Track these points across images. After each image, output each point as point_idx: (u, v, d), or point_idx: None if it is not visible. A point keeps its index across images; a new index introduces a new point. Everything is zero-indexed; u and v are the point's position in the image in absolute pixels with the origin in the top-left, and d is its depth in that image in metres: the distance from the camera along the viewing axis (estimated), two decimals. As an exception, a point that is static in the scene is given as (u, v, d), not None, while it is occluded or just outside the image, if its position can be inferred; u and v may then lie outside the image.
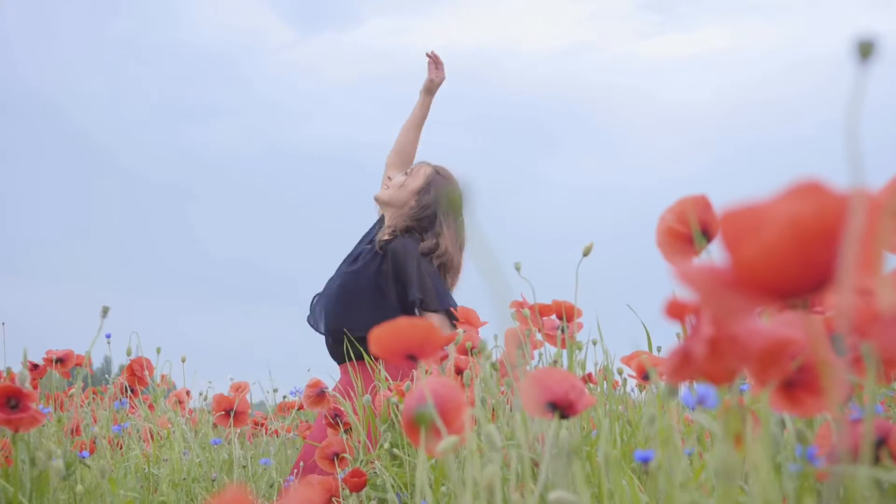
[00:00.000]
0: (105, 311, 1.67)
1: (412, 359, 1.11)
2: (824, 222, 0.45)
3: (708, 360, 0.65)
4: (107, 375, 3.02)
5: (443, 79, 3.65)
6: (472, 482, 1.01)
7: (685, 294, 0.48)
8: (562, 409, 1.13)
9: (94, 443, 2.22)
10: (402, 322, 1.09)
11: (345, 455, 2.34)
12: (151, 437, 2.42)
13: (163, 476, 2.22)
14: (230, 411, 2.67)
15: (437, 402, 1.09)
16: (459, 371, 2.11)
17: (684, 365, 0.67)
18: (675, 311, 0.77)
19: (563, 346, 1.89)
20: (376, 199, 3.49)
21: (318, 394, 2.42)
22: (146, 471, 2.23)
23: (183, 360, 3.59)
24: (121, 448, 2.44)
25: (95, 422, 2.58)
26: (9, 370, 3.11)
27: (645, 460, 1.14)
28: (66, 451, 1.90)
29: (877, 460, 0.83)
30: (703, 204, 1.11)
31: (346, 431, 2.40)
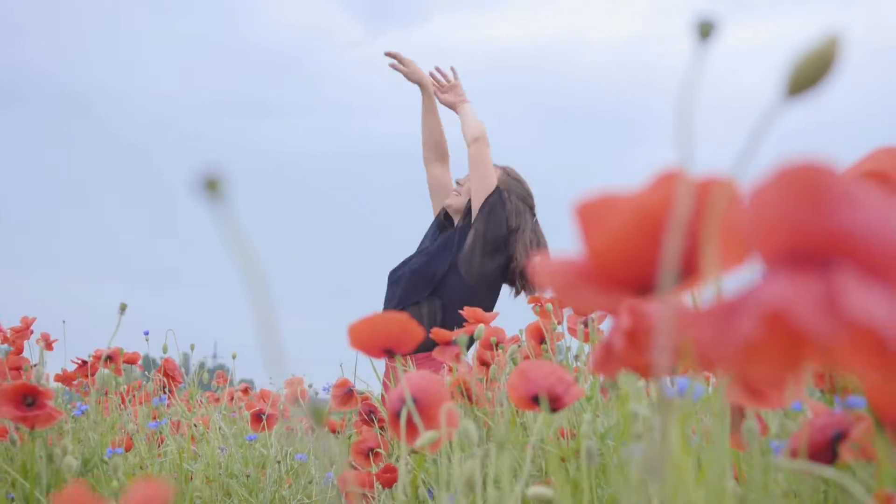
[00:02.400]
0: (122, 308, 1.69)
1: (389, 353, 1.11)
2: (666, 212, 0.44)
3: (628, 353, 0.64)
4: (146, 373, 3.07)
5: (414, 71, 3.68)
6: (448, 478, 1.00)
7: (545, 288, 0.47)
8: (548, 402, 1.12)
9: (131, 440, 2.25)
10: (379, 316, 1.09)
11: (379, 450, 2.35)
12: (185, 432, 2.45)
13: (197, 471, 2.25)
14: (262, 415, 2.67)
15: (420, 397, 1.08)
16: (485, 364, 2.11)
17: (607, 358, 0.66)
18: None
19: (587, 339, 1.87)
20: (448, 207, 3.48)
21: (346, 393, 2.42)
22: (182, 466, 2.26)
23: (234, 357, 3.63)
24: (160, 444, 2.48)
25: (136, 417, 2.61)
26: (64, 370, 3.17)
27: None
28: (85, 448, 1.93)
29: (835, 456, 0.80)
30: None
31: (381, 428, 2.40)
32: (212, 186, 0.37)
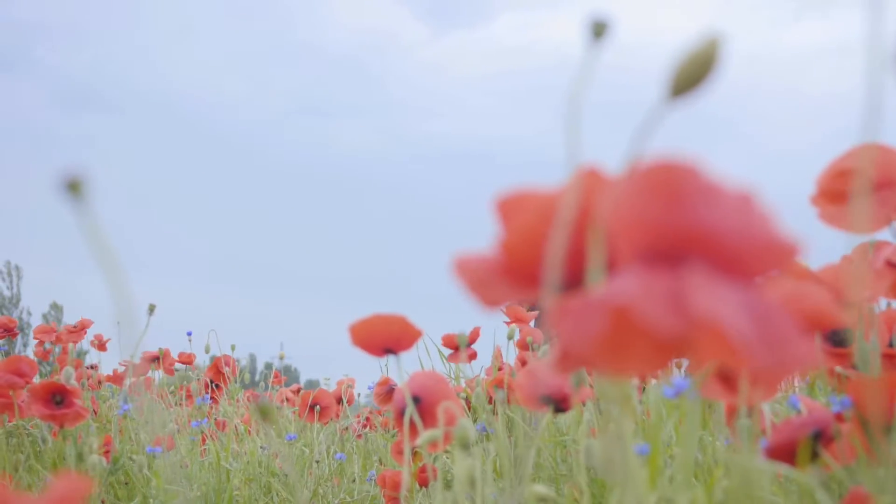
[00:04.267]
0: (151, 308, 1.71)
1: (389, 352, 1.11)
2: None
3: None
4: (190, 372, 3.11)
5: None
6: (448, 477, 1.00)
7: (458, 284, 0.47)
8: (556, 402, 1.12)
9: (172, 439, 2.28)
10: (379, 317, 1.10)
11: (418, 450, 2.35)
12: (236, 432, 2.48)
13: (236, 471, 2.27)
14: (314, 406, 2.71)
15: (425, 396, 1.09)
16: (525, 364, 2.10)
17: (565, 357, 0.65)
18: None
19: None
20: None
21: (388, 391, 2.43)
22: (222, 465, 2.28)
23: (281, 358, 3.67)
24: (203, 443, 2.51)
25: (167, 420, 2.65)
26: (125, 365, 3.23)
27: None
28: (114, 448, 1.96)
29: (815, 455, 0.79)
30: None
31: (422, 427, 2.41)
32: (73, 187, 0.37)
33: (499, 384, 2.06)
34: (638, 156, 0.39)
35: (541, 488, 1.00)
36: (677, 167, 0.37)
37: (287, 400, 3.69)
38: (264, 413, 0.61)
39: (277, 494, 2.39)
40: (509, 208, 0.46)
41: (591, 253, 0.42)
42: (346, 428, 3.35)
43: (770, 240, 0.37)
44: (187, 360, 3.18)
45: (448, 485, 2.27)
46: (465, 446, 1.03)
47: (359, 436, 3.39)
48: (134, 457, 1.90)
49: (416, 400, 1.08)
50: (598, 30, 0.42)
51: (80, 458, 1.57)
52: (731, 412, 0.93)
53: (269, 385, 4.93)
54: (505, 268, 0.46)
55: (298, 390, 4.13)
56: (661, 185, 0.37)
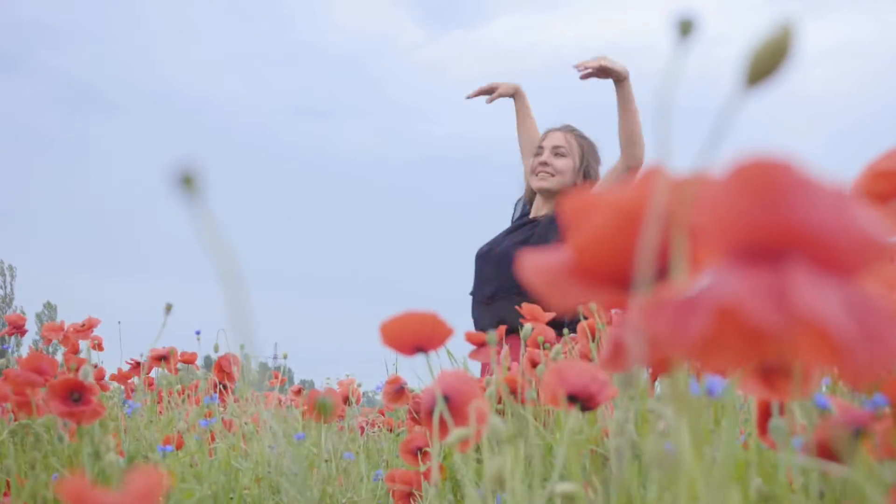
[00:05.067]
0: (168, 308, 1.72)
1: (420, 350, 1.12)
2: (644, 210, 0.44)
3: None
4: (204, 370, 3.11)
5: (503, 87, 3.79)
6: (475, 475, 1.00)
7: (531, 284, 0.47)
8: (582, 401, 1.12)
9: (182, 437, 2.28)
10: (411, 314, 1.10)
11: (427, 449, 2.35)
12: (233, 430, 2.48)
13: (246, 469, 2.27)
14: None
15: (453, 395, 1.09)
16: (535, 364, 2.10)
17: (617, 355, 0.65)
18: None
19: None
20: (543, 190, 3.49)
21: (398, 390, 2.43)
22: (232, 464, 2.28)
23: (285, 357, 3.67)
24: (212, 442, 2.51)
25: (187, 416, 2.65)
26: (119, 369, 3.22)
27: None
28: (152, 444, 1.96)
29: (854, 452, 0.79)
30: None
31: (430, 426, 2.41)
32: (187, 182, 0.37)
33: (509, 384, 2.06)
34: (716, 153, 0.39)
35: (569, 486, 1.01)
36: (774, 164, 0.37)
37: (281, 401, 3.69)
38: (324, 409, 0.62)
39: (286, 494, 2.40)
40: (580, 211, 0.46)
41: (674, 252, 0.43)
42: (345, 427, 3.36)
43: (867, 236, 0.37)
44: (189, 359, 3.18)
45: (457, 484, 2.27)
46: (498, 445, 1.04)
47: (361, 432, 3.40)
48: (150, 455, 1.91)
49: (445, 399, 1.09)
50: (686, 28, 0.43)
51: (96, 456, 1.57)
52: (763, 411, 0.94)
53: (270, 385, 4.94)
54: (577, 270, 0.46)
55: (299, 391, 4.13)
56: (759, 182, 0.37)
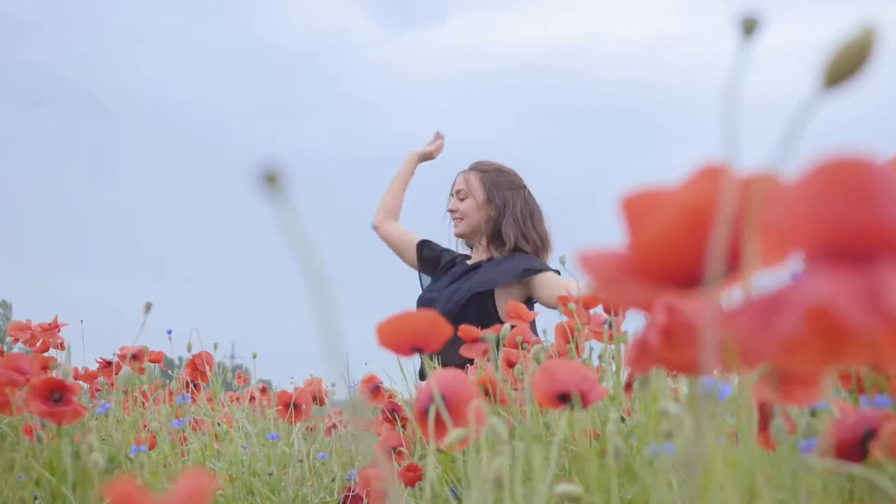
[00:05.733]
0: (148, 306, 1.70)
1: (418, 350, 1.11)
2: (714, 207, 0.44)
3: (664, 349, 0.64)
4: (170, 371, 3.08)
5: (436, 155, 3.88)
6: (480, 476, 1.00)
7: (590, 281, 0.47)
8: (573, 400, 1.12)
9: (154, 437, 2.26)
10: (408, 314, 1.10)
11: (402, 449, 2.35)
12: (208, 431, 2.46)
13: (220, 469, 2.26)
14: (289, 404, 2.71)
15: (448, 395, 1.09)
16: (511, 364, 2.11)
17: (643, 355, 0.66)
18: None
19: (611, 340, 1.87)
20: (459, 236, 3.55)
21: (374, 388, 2.43)
22: (206, 465, 2.27)
23: (254, 356, 3.64)
24: (183, 442, 2.49)
25: (151, 419, 2.62)
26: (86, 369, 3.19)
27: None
28: (120, 444, 1.94)
29: (865, 454, 0.80)
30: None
31: (403, 426, 2.41)
32: (271, 180, 0.37)
33: (484, 384, 2.06)
34: (792, 153, 0.39)
35: (570, 486, 1.01)
36: (858, 162, 0.37)
37: (252, 399, 3.67)
38: (356, 409, 0.61)
39: (259, 494, 2.38)
40: (637, 207, 0.46)
41: (745, 251, 0.43)
42: (312, 427, 3.35)
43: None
44: (156, 358, 3.15)
45: (432, 485, 2.27)
46: (496, 445, 1.04)
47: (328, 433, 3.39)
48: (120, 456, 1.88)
49: (441, 399, 1.08)
50: (750, 26, 0.43)
51: (76, 456, 1.55)
52: (763, 414, 0.94)
53: (236, 385, 4.90)
54: (638, 268, 0.46)
55: (264, 389, 4.10)
56: (844, 181, 0.37)
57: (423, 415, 1.10)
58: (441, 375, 1.09)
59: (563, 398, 1.13)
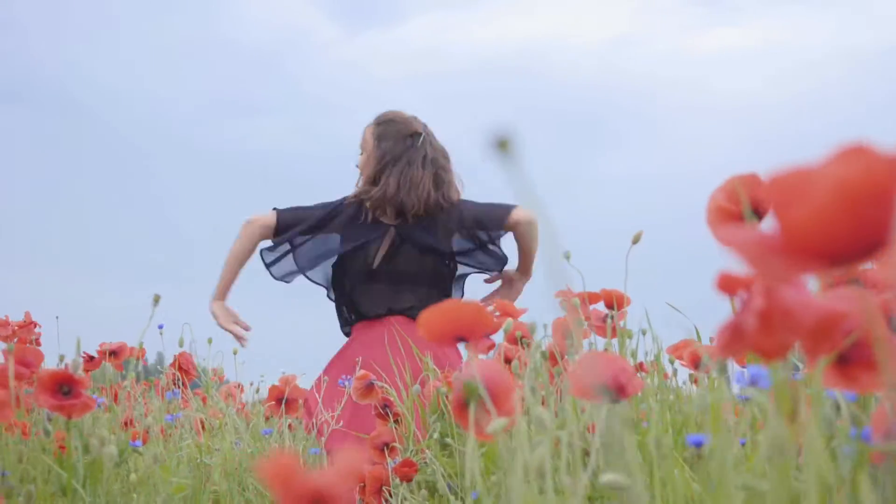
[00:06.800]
0: (156, 299, 1.68)
1: (461, 341, 1.11)
2: (873, 185, 0.44)
3: (759, 333, 0.64)
4: (159, 367, 3.06)
5: None
6: (521, 466, 1.00)
7: (735, 263, 0.47)
8: (612, 392, 1.12)
9: (147, 433, 2.24)
10: (452, 304, 1.09)
11: (395, 445, 2.34)
12: (203, 427, 2.44)
13: (215, 465, 2.25)
14: (281, 400, 2.70)
15: (487, 385, 1.08)
16: (508, 360, 2.11)
17: (736, 339, 0.66)
18: (727, 284, 0.76)
19: (614, 334, 1.88)
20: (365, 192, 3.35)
21: (367, 385, 2.42)
22: (199, 460, 2.25)
23: (235, 353, 3.61)
24: (168, 439, 2.47)
25: (147, 413, 2.60)
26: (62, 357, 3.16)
27: (698, 444, 1.13)
28: (119, 439, 1.92)
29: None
30: (753, 181, 1.09)
31: (395, 422, 2.40)
32: (502, 145, 0.37)
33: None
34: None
35: (614, 476, 1.01)
36: None
37: (230, 396, 3.65)
38: (471, 393, 0.61)
39: (251, 488, 2.37)
40: (787, 187, 0.46)
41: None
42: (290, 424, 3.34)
43: None
44: (131, 354, 3.12)
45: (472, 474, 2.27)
46: (541, 434, 1.04)
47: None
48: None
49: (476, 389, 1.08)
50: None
51: (85, 449, 1.53)
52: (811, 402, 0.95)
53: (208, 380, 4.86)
54: (790, 246, 0.47)
55: (239, 387, 4.08)
56: None
57: (461, 405, 1.10)
58: (482, 365, 1.08)
59: (604, 390, 1.13)
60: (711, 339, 2.12)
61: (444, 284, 3.14)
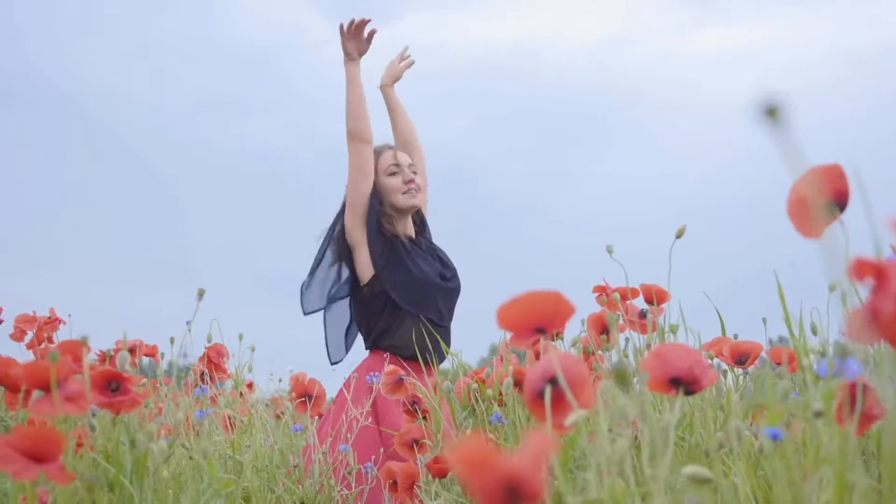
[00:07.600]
0: (201, 293, 1.67)
1: (541, 332, 1.10)
2: None
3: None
4: (182, 360, 3.05)
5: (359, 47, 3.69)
6: (603, 458, 0.99)
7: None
8: (686, 384, 1.12)
9: (189, 426, 2.23)
10: (532, 294, 1.08)
11: (424, 441, 2.33)
12: (231, 424, 2.43)
13: (246, 462, 2.23)
14: (308, 397, 2.69)
15: (567, 377, 1.07)
16: (539, 356, 2.10)
17: (871, 324, 0.65)
18: (862, 270, 0.75)
19: (654, 329, 1.87)
20: (416, 206, 3.53)
21: (397, 381, 2.41)
22: (229, 457, 2.24)
23: (252, 350, 3.60)
24: (198, 436, 2.46)
25: (178, 408, 2.59)
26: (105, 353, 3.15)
27: (776, 437, 1.12)
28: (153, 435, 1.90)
29: None
30: (836, 173, 1.09)
31: (423, 418, 2.39)
32: (772, 113, 0.36)
33: (517, 375, 2.06)
34: None
35: (698, 469, 1.00)
36: None
37: (240, 395, 3.63)
38: (621, 378, 0.60)
39: (284, 485, 2.36)
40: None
41: None
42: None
43: None
44: (150, 352, 3.11)
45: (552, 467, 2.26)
46: (621, 426, 1.03)
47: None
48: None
49: (554, 382, 1.07)
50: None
51: (132, 444, 1.52)
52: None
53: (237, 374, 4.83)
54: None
55: (249, 386, 4.07)
56: None
57: (535, 396, 1.09)
58: (560, 357, 1.07)
59: (676, 382, 1.12)
60: (735, 336, 2.12)
61: None
